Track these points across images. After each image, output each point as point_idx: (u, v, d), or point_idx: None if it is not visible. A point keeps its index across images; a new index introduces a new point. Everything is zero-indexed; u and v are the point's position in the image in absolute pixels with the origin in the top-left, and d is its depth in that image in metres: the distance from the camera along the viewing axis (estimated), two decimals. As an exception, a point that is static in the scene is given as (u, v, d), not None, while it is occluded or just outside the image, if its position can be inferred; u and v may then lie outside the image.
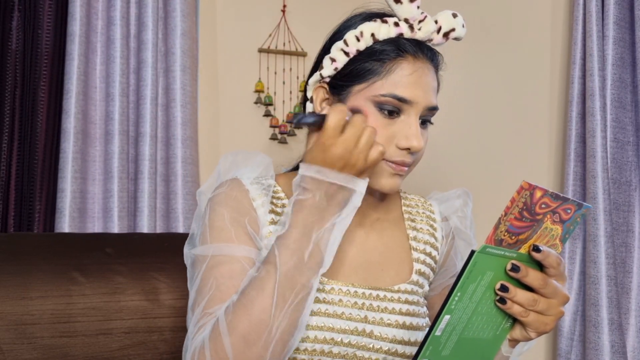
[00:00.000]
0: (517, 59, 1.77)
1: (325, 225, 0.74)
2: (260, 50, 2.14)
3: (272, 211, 0.88)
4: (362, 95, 0.82)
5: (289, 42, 2.17)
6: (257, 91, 2.13)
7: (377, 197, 0.94)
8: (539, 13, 1.73)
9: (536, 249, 0.67)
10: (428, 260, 0.94)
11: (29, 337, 1.09)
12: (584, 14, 1.52)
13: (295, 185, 0.76)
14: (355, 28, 0.84)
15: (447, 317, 0.66)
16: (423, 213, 0.99)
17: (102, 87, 1.82)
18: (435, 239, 0.97)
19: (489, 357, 0.76)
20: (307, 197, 0.74)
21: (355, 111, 0.80)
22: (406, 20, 0.83)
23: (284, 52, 2.16)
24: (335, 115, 0.74)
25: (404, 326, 0.85)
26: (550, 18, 1.71)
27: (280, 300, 0.71)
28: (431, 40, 0.86)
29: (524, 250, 0.69)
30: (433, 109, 0.84)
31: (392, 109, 0.81)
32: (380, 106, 0.81)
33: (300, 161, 0.78)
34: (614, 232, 1.47)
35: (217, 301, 0.76)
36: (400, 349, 0.84)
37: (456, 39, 0.87)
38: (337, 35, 0.87)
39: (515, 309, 0.69)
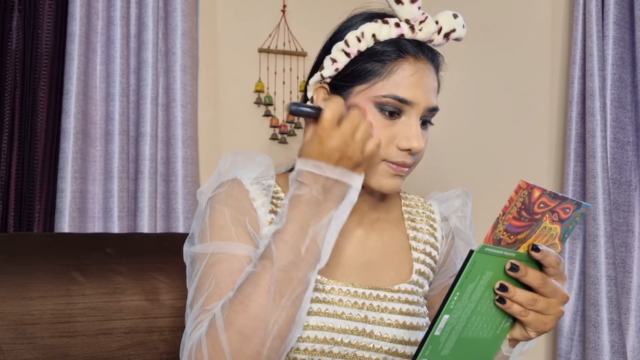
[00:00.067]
0: (517, 59, 1.77)
1: (322, 220, 0.74)
2: (260, 50, 2.14)
3: (272, 211, 0.88)
4: (362, 95, 0.82)
5: (289, 42, 2.17)
6: (257, 91, 2.13)
7: (377, 197, 0.94)
8: (539, 13, 1.73)
9: (535, 248, 0.67)
10: (428, 260, 0.94)
11: (29, 337, 1.09)
12: (584, 14, 1.52)
13: (292, 180, 0.76)
14: (356, 28, 0.84)
15: (446, 316, 0.66)
16: (423, 213, 1.00)
17: (102, 87, 1.82)
18: (435, 238, 0.97)
19: (489, 356, 0.76)
20: (304, 192, 0.74)
21: (352, 106, 0.80)
22: (407, 21, 0.83)
23: (284, 52, 2.16)
24: (331, 107, 0.74)
25: (404, 326, 0.85)
26: (550, 18, 1.71)
27: (277, 295, 0.71)
28: (432, 40, 0.86)
29: (523, 249, 0.69)
30: (433, 110, 0.85)
31: (393, 110, 0.81)
32: (381, 107, 0.81)
33: (298, 156, 0.78)
34: (613, 232, 1.47)
35: (216, 298, 0.76)
36: (400, 348, 0.84)
37: (457, 39, 0.87)
38: (338, 35, 0.87)
39: (514, 309, 0.69)
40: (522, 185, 0.63)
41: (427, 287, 0.94)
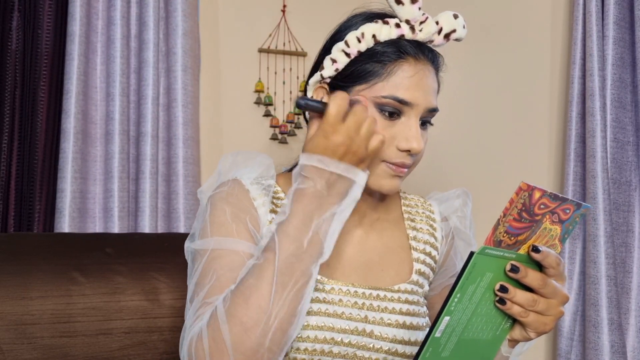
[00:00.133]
0: (517, 59, 1.77)
1: (325, 215, 0.75)
2: (260, 50, 2.14)
3: (272, 211, 0.88)
4: (362, 96, 0.82)
5: (289, 42, 2.17)
6: (257, 91, 2.13)
7: (376, 198, 0.94)
8: (539, 13, 1.73)
9: (535, 249, 0.68)
10: (428, 260, 0.95)
11: (29, 337, 1.09)
12: (584, 14, 1.52)
13: (295, 175, 0.77)
14: (356, 29, 0.84)
15: (446, 318, 0.66)
16: (423, 213, 1.00)
17: (103, 87, 1.82)
18: (435, 238, 0.98)
19: (489, 357, 0.76)
20: (308, 186, 0.75)
21: (354, 102, 0.80)
22: (407, 22, 0.83)
23: (284, 52, 2.16)
24: (337, 102, 0.75)
25: (404, 326, 0.85)
26: (550, 18, 1.70)
27: (279, 286, 0.71)
28: (432, 41, 0.86)
29: (523, 250, 0.69)
30: (433, 111, 0.85)
31: (393, 111, 0.82)
32: (381, 108, 0.81)
33: (303, 151, 0.79)
34: (613, 232, 1.47)
35: (216, 291, 0.76)
36: (400, 348, 0.84)
37: (457, 39, 0.87)
38: (338, 35, 0.87)
39: (514, 310, 0.69)
40: (523, 187, 0.63)
41: (427, 287, 0.94)
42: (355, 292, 0.85)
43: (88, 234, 1.52)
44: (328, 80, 0.86)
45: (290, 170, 0.99)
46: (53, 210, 1.74)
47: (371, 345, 0.83)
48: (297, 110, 2.16)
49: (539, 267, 0.70)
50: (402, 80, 0.81)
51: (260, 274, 0.72)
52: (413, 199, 1.02)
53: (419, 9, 0.83)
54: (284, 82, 2.17)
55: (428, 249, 0.95)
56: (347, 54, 0.83)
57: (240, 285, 0.72)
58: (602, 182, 1.45)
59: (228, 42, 2.10)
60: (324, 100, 0.80)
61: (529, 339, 0.74)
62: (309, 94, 0.89)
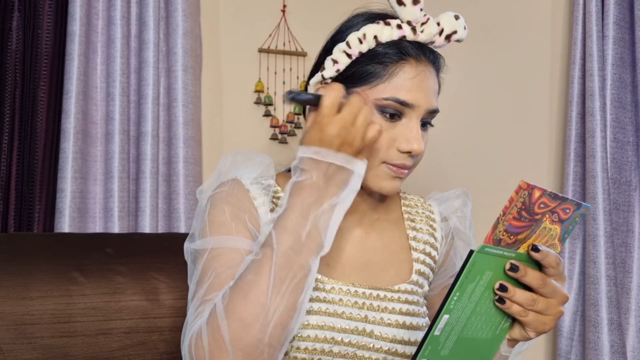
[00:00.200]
0: (517, 59, 1.77)
1: (323, 206, 0.74)
2: (260, 50, 2.14)
3: (272, 210, 0.88)
4: (363, 97, 0.82)
5: (289, 42, 2.17)
6: (257, 91, 2.13)
7: (376, 198, 0.94)
8: (539, 13, 1.73)
9: (535, 248, 0.67)
10: (428, 260, 0.95)
11: (29, 337, 1.09)
12: (584, 14, 1.52)
13: (293, 168, 0.76)
14: (357, 29, 0.83)
15: (446, 316, 0.66)
16: (423, 213, 1.00)
17: (103, 87, 1.83)
18: (435, 239, 0.98)
19: (488, 356, 0.76)
20: (305, 178, 0.74)
21: (351, 93, 0.80)
22: (409, 23, 0.83)
23: (284, 52, 2.16)
24: (331, 94, 0.74)
25: (404, 326, 0.85)
26: (550, 18, 1.70)
27: (277, 281, 0.70)
28: (433, 42, 0.86)
29: (522, 250, 0.69)
30: (434, 112, 0.85)
31: (394, 112, 0.82)
32: (382, 109, 0.81)
33: (300, 145, 0.78)
34: (613, 232, 1.47)
35: (216, 289, 0.76)
36: (400, 348, 0.84)
37: (458, 40, 0.87)
38: (339, 35, 0.87)
39: (514, 309, 0.69)
40: (523, 186, 0.63)
41: (426, 287, 0.94)
42: (356, 291, 0.85)
43: (88, 234, 1.52)
44: (329, 81, 0.86)
45: (289, 170, 0.99)
46: (53, 210, 1.74)
47: (371, 345, 0.83)
48: (297, 110, 2.16)
49: (539, 266, 0.70)
50: (404, 82, 0.81)
51: (258, 269, 0.71)
52: (413, 199, 1.02)
53: (421, 10, 0.83)
54: (284, 82, 2.17)
55: (428, 249, 0.95)
56: (349, 55, 0.83)
57: (238, 281, 0.72)
58: (602, 182, 1.45)
59: (228, 42, 2.11)
60: (319, 92, 0.79)
61: (529, 339, 0.74)
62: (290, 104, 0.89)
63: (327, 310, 0.82)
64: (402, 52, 0.82)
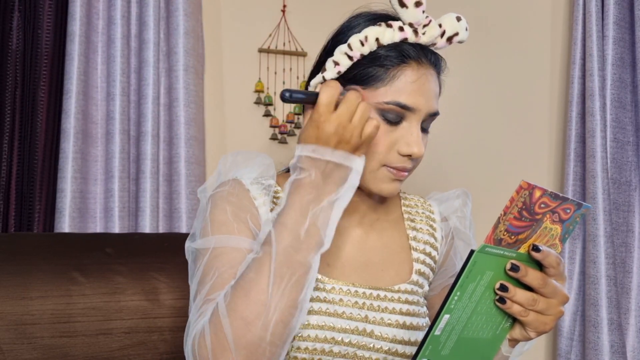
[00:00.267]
0: (517, 60, 1.77)
1: (322, 204, 0.74)
2: (260, 50, 2.14)
3: (273, 210, 0.88)
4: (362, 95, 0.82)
5: (289, 42, 2.17)
6: (257, 91, 2.13)
7: (376, 199, 0.94)
8: (539, 13, 1.73)
9: (536, 248, 0.68)
10: (428, 260, 0.95)
11: (29, 337, 1.09)
12: (584, 14, 1.52)
13: (292, 167, 0.77)
14: (359, 31, 0.83)
15: (446, 316, 0.66)
16: (423, 213, 1.00)
17: (103, 87, 1.83)
18: (435, 239, 0.98)
19: (489, 356, 0.76)
20: (304, 176, 0.74)
21: (349, 89, 0.80)
22: (411, 25, 0.83)
23: (284, 52, 2.16)
24: (327, 91, 0.74)
25: (404, 326, 0.85)
26: (550, 18, 1.71)
27: (277, 278, 0.71)
28: (435, 44, 0.86)
29: (523, 249, 0.69)
30: (434, 115, 0.85)
31: (395, 116, 0.82)
32: (383, 113, 0.81)
33: (297, 143, 0.78)
34: (613, 232, 1.47)
35: (219, 288, 0.76)
36: (400, 348, 0.84)
37: (459, 42, 0.87)
38: (340, 36, 0.87)
39: (514, 309, 0.69)
40: (524, 186, 0.63)
41: (427, 287, 0.94)
42: (356, 291, 0.85)
43: (88, 234, 1.52)
44: (316, 86, 0.86)
45: (288, 170, 0.99)
46: (53, 210, 1.74)
47: (371, 345, 0.83)
48: (297, 110, 2.16)
49: (539, 266, 0.70)
50: (405, 86, 0.81)
51: (258, 267, 0.72)
52: (413, 199, 1.02)
53: (423, 12, 0.82)
54: (284, 82, 2.17)
55: (428, 249, 0.95)
56: (350, 57, 0.83)
57: (240, 279, 0.72)
58: (602, 182, 1.45)
59: (228, 42, 2.11)
60: (316, 90, 0.79)
61: (529, 339, 0.74)
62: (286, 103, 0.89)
63: (327, 310, 0.82)
64: (404, 55, 0.82)
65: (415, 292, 0.90)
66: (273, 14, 2.16)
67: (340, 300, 0.84)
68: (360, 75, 0.82)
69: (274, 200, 0.89)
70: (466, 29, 0.86)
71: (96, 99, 1.81)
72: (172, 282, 1.24)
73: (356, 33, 0.83)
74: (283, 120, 2.16)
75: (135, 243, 1.33)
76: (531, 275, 0.68)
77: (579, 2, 1.52)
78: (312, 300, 0.82)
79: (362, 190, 0.87)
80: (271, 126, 2.14)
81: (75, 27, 1.75)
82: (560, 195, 0.66)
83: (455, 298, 0.65)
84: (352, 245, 0.90)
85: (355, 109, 0.74)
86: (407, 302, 0.87)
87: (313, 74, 0.89)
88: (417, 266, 0.92)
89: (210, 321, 0.71)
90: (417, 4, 0.81)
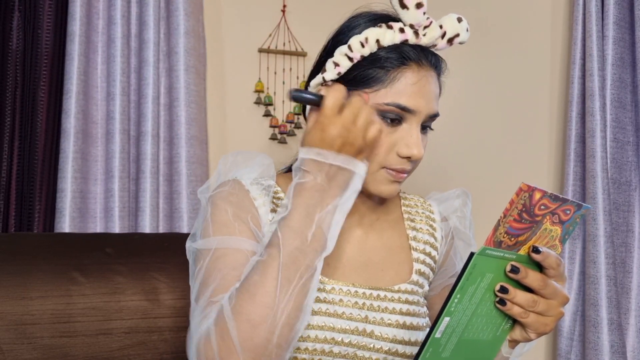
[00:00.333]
0: (517, 60, 1.77)
1: (327, 208, 0.74)
2: (260, 50, 2.14)
3: (273, 210, 0.88)
4: (364, 98, 0.82)
5: (289, 42, 2.17)
6: (257, 91, 2.12)
7: (375, 200, 0.94)
8: (539, 13, 1.73)
9: (536, 250, 0.68)
10: (428, 260, 0.95)
11: (29, 337, 1.09)
12: (584, 14, 1.52)
13: (295, 169, 0.77)
14: (359, 32, 0.83)
15: (446, 319, 0.66)
16: (422, 213, 1.00)
17: (103, 87, 1.82)
18: (435, 239, 0.98)
19: (489, 358, 0.76)
20: (308, 180, 0.74)
21: (353, 94, 0.80)
22: (411, 26, 0.82)
23: (284, 52, 2.16)
24: (333, 94, 0.75)
25: (404, 326, 0.85)
26: (550, 18, 1.71)
27: (284, 281, 0.71)
28: (435, 45, 0.85)
29: (523, 251, 0.69)
30: (434, 116, 0.85)
31: (395, 117, 0.82)
32: (382, 114, 0.81)
33: (301, 145, 0.78)
34: (613, 232, 1.47)
35: (222, 290, 0.76)
36: (400, 348, 0.84)
37: (460, 43, 0.87)
38: (341, 36, 0.86)
39: (515, 310, 0.69)
40: (523, 188, 0.63)
41: (427, 287, 0.94)
42: (356, 292, 0.85)
43: (88, 234, 1.52)
44: (330, 83, 0.86)
45: (288, 170, 0.99)
46: (53, 210, 1.74)
47: (371, 345, 0.83)
48: (296, 110, 2.16)
49: (539, 267, 0.70)
50: (405, 88, 0.81)
51: (264, 270, 0.72)
52: (413, 199, 1.02)
53: (424, 13, 0.82)
54: (283, 82, 2.17)
55: (428, 249, 0.95)
56: (350, 59, 0.83)
57: (245, 282, 0.72)
58: (602, 182, 1.45)
59: (228, 42, 2.10)
60: (321, 92, 0.79)
61: (529, 340, 0.75)
62: (293, 102, 0.88)
63: (328, 311, 0.82)
64: (404, 57, 0.82)
65: (415, 292, 0.90)
66: (273, 14, 2.16)
67: (340, 300, 0.84)
68: (360, 76, 0.82)
69: (274, 200, 0.89)
70: (467, 30, 0.86)
71: (96, 99, 1.81)
72: (172, 282, 1.24)
73: (356, 34, 0.83)
74: (283, 120, 2.16)
75: (135, 243, 1.33)
76: (531, 277, 0.68)
77: (579, 2, 1.52)
78: (312, 300, 0.82)
79: (361, 192, 0.87)
80: (271, 126, 2.14)
81: (75, 27, 1.74)
82: (560, 196, 0.66)
83: (456, 300, 0.65)
84: (352, 246, 0.90)
85: (359, 113, 0.75)
86: (407, 302, 0.87)
87: (313, 74, 0.89)
88: (417, 266, 0.92)
89: (216, 324, 0.71)
90: (418, 6, 0.81)
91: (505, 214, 0.65)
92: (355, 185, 0.76)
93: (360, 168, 0.76)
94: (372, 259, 0.91)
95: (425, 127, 0.86)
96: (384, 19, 0.85)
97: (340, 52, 0.83)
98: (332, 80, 0.85)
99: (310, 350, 0.80)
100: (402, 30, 0.82)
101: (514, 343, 0.76)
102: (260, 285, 0.70)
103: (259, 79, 2.13)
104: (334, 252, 0.86)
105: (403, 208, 0.99)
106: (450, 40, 0.86)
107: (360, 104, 0.75)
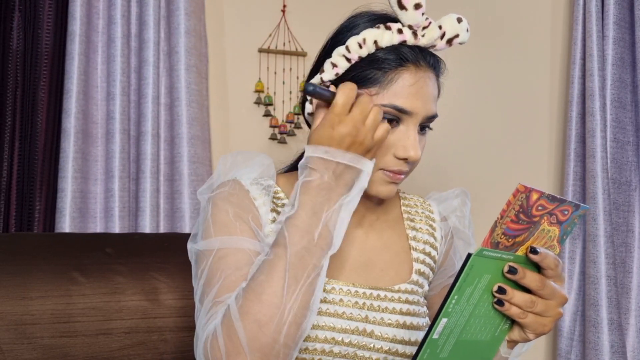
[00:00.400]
0: (517, 59, 1.77)
1: (334, 206, 0.75)
2: (260, 50, 2.14)
3: (273, 210, 0.88)
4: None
5: (289, 42, 2.17)
6: (257, 91, 2.12)
7: (375, 201, 0.94)
8: (539, 13, 1.73)
9: (533, 250, 0.68)
10: (427, 260, 0.95)
11: (29, 337, 1.09)
12: (584, 14, 1.52)
13: (301, 167, 0.77)
14: (357, 33, 0.83)
15: (444, 320, 0.66)
16: (422, 213, 1.00)
17: (103, 87, 1.82)
18: (435, 238, 0.98)
19: (488, 358, 0.76)
20: (315, 178, 0.74)
21: (360, 93, 0.80)
22: (410, 27, 0.82)
23: (284, 52, 2.16)
24: (345, 92, 0.75)
25: (404, 326, 0.85)
26: (550, 18, 1.70)
27: (291, 281, 0.71)
28: (434, 46, 0.85)
29: (521, 252, 0.69)
30: (432, 118, 0.85)
31: (392, 119, 0.81)
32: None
33: (308, 143, 0.78)
34: (613, 232, 1.47)
35: (226, 290, 0.76)
36: (400, 348, 0.84)
37: (460, 43, 0.87)
38: (339, 37, 0.86)
39: (513, 311, 0.69)
40: (520, 189, 0.63)
41: (427, 287, 0.94)
42: (356, 292, 0.85)
43: (88, 234, 1.53)
44: (328, 84, 0.86)
45: (288, 170, 0.99)
46: (53, 210, 1.74)
47: (371, 345, 0.83)
48: (296, 110, 2.16)
49: (537, 268, 0.70)
50: (402, 89, 0.81)
51: (271, 269, 0.72)
52: (412, 199, 1.02)
53: (422, 14, 0.82)
54: (283, 82, 2.17)
55: (427, 249, 0.96)
56: (348, 59, 0.83)
57: (251, 282, 0.72)
58: (602, 182, 1.45)
59: (228, 42, 2.10)
60: (332, 89, 0.79)
61: (528, 340, 0.74)
62: (307, 96, 0.88)
63: (328, 311, 0.82)
64: (402, 58, 0.82)
65: (415, 292, 0.90)
66: (273, 14, 2.16)
67: (341, 300, 0.84)
68: (358, 77, 0.82)
69: (274, 200, 0.89)
70: (467, 30, 0.86)
71: (96, 99, 1.81)
72: (172, 282, 1.24)
73: (355, 34, 0.83)
74: (283, 120, 2.16)
75: (135, 243, 1.33)
76: (529, 278, 0.68)
77: (579, 2, 1.52)
78: (313, 300, 0.82)
79: None
80: (271, 126, 2.14)
81: (76, 26, 1.75)
82: (558, 197, 0.66)
83: (453, 301, 0.65)
84: (352, 246, 0.90)
85: (368, 112, 0.75)
86: (407, 302, 0.87)
87: (312, 74, 0.89)
88: (417, 266, 0.92)
89: (223, 324, 0.71)
90: (417, 7, 0.80)
91: (502, 215, 0.64)
92: (362, 183, 0.77)
93: (367, 166, 0.77)
94: (372, 259, 0.91)
95: (424, 128, 0.86)
96: (383, 19, 0.85)
97: (338, 53, 0.83)
98: (330, 81, 0.85)
99: (310, 350, 0.80)
100: (400, 31, 0.82)
101: (512, 343, 0.76)
102: (267, 285, 0.70)
103: (259, 79, 2.14)
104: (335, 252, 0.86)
105: (403, 208, 0.99)
106: (449, 41, 0.85)
107: (369, 103, 0.75)
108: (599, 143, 1.45)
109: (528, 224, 0.66)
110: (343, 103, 0.74)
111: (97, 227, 1.79)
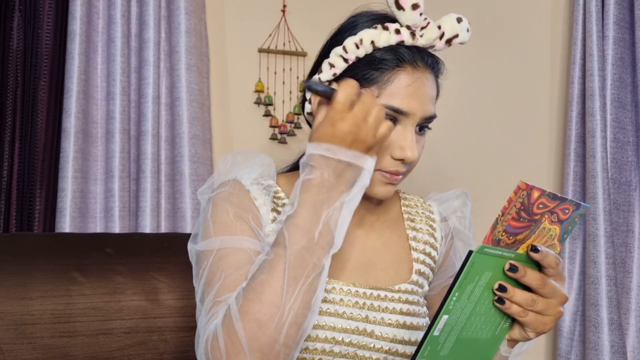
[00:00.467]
0: (517, 59, 1.77)
1: (334, 204, 0.74)
2: (260, 50, 2.14)
3: (273, 209, 0.88)
4: None
5: (289, 42, 2.17)
6: (257, 91, 2.13)
7: (374, 201, 0.94)
8: (539, 13, 1.73)
9: (534, 249, 0.67)
10: (428, 260, 0.95)
11: (29, 337, 1.09)
12: (584, 14, 1.52)
13: (302, 165, 0.76)
14: (355, 33, 0.83)
15: (445, 317, 0.66)
16: (422, 213, 1.00)
17: (103, 86, 1.83)
18: (435, 239, 0.98)
19: (488, 357, 0.76)
20: (315, 176, 0.73)
21: (362, 91, 0.80)
22: (408, 27, 0.82)
23: (284, 52, 2.16)
24: (345, 90, 0.74)
25: (404, 326, 0.85)
26: (550, 18, 1.71)
27: (291, 280, 0.70)
28: (433, 46, 0.85)
29: (522, 250, 0.69)
30: (430, 118, 0.84)
31: (389, 119, 0.81)
32: None
33: (309, 141, 0.78)
34: (613, 232, 1.47)
35: (227, 290, 0.76)
36: (400, 348, 0.84)
37: (460, 43, 0.86)
38: (338, 36, 0.86)
39: (513, 309, 0.69)
40: (522, 186, 0.63)
41: (427, 287, 0.94)
42: (357, 292, 0.85)
43: (88, 234, 1.53)
44: (326, 84, 0.86)
45: (289, 170, 0.99)
46: (54, 210, 1.74)
47: (371, 345, 0.83)
48: (296, 110, 2.16)
49: (538, 266, 0.70)
50: (399, 90, 0.81)
51: (271, 269, 0.71)
52: (412, 199, 1.02)
53: (420, 14, 0.81)
54: (283, 82, 2.17)
55: (428, 249, 0.95)
56: (345, 60, 0.83)
57: (251, 281, 0.72)
58: (602, 182, 1.45)
59: (228, 42, 2.11)
60: (333, 86, 0.79)
61: (528, 339, 0.74)
62: (308, 95, 0.88)
63: (328, 310, 0.82)
64: (399, 59, 0.81)
65: (415, 292, 0.90)
66: (273, 14, 2.16)
67: (341, 300, 0.84)
68: (355, 78, 0.81)
69: (274, 200, 0.89)
70: (467, 30, 0.86)
71: (96, 99, 1.82)
72: (172, 282, 1.24)
73: (353, 35, 0.83)
74: (283, 120, 2.16)
75: (135, 243, 1.33)
76: (530, 276, 0.68)
77: (579, 2, 1.52)
78: (314, 300, 0.82)
79: None
80: (271, 126, 2.14)
81: (76, 26, 1.75)
82: (559, 195, 0.66)
83: (454, 299, 0.65)
84: (352, 246, 0.90)
85: (370, 110, 0.74)
86: (407, 302, 0.87)
87: (311, 74, 0.89)
88: (417, 266, 0.92)
89: (223, 324, 0.70)
90: (414, 7, 0.80)
91: (503, 212, 0.64)
92: (363, 181, 0.76)
93: (369, 163, 0.76)
94: (372, 259, 0.91)
95: (422, 128, 0.85)
96: (382, 19, 0.84)
97: (335, 53, 0.83)
98: (328, 81, 0.85)
99: (310, 350, 0.80)
100: (398, 32, 0.82)
101: (512, 342, 0.76)
102: (267, 285, 0.70)
103: (259, 79, 2.14)
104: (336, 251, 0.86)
105: (403, 208, 0.99)
106: (449, 41, 0.85)
107: (371, 100, 0.74)
108: (599, 143, 1.45)
109: (529, 221, 0.66)
110: (344, 100, 0.73)
111: (97, 227, 1.79)
